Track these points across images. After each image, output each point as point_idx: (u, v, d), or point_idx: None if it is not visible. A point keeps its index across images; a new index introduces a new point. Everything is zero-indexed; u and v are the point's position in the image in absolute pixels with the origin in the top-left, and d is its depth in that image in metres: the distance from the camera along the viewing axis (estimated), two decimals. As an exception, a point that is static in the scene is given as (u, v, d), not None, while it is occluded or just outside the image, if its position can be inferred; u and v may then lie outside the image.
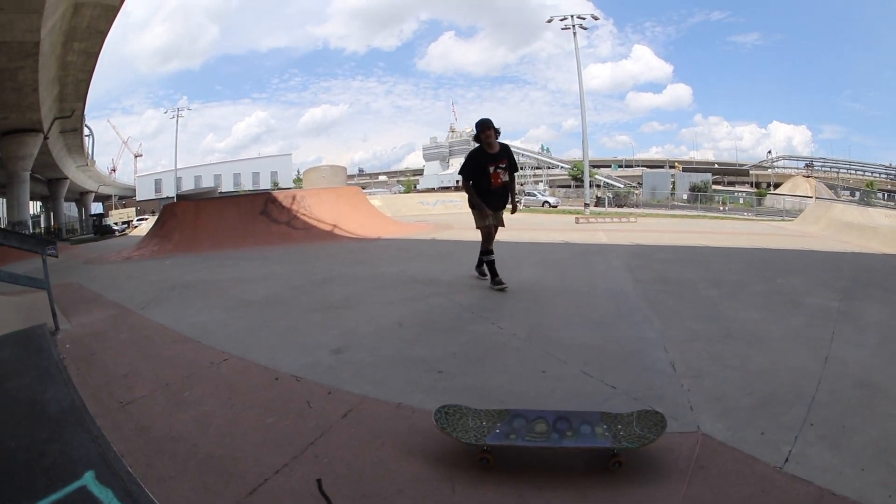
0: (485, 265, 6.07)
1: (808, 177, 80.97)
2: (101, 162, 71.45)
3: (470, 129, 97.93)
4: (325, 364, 3.53)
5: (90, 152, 50.32)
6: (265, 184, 72.45)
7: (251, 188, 68.55)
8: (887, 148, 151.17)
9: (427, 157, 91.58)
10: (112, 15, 18.60)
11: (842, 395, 3.02)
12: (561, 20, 35.42)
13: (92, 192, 64.67)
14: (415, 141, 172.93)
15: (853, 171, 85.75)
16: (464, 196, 6.03)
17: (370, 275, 7.28)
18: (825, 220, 19.20)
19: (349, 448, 2.40)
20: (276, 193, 15.35)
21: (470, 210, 6.03)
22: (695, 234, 14.76)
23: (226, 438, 2.54)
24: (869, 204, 49.04)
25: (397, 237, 13.39)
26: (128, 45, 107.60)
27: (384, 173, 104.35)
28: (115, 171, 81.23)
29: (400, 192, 61.19)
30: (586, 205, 32.40)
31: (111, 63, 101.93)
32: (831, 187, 76.52)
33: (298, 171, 69.25)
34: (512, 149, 6.02)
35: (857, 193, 70.82)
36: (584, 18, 35.34)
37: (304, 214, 13.83)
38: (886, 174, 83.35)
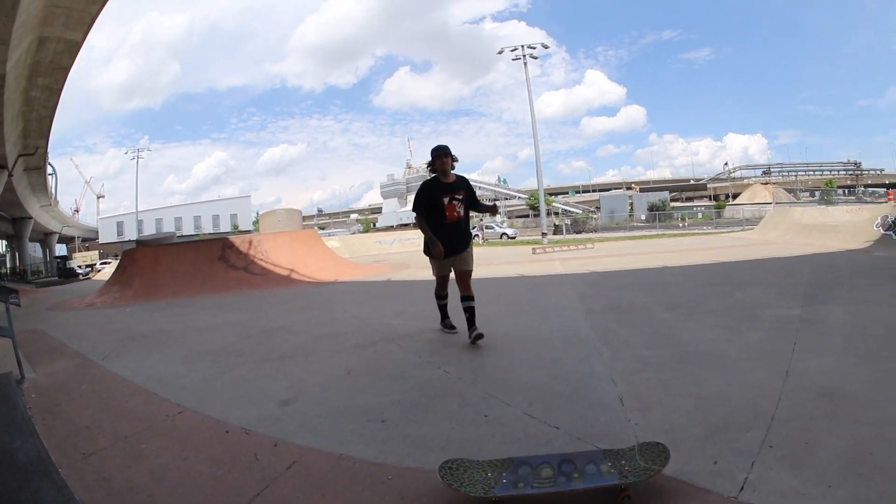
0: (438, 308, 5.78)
1: (766, 184, 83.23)
2: (65, 202, 70.90)
3: (425, 163, 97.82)
4: (274, 416, 3.58)
5: (53, 192, 49.40)
6: (225, 226, 72.60)
7: (212, 231, 68.59)
8: (845, 145, 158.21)
9: (385, 195, 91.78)
10: (75, 51, 18.54)
11: (804, 409, 2.99)
12: (512, 51, 35.89)
13: (56, 232, 63.55)
14: (372, 178, 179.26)
15: (812, 172, 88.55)
16: (421, 234, 5.41)
17: (323, 320, 7.45)
18: (785, 225, 19.71)
19: (292, 500, 2.47)
20: (233, 238, 15.51)
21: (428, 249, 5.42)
22: (652, 255, 15.01)
23: (179, 489, 2.64)
24: (829, 202, 50.76)
25: (353, 279, 13.59)
26: (92, 80, 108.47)
27: (343, 212, 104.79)
28: (77, 211, 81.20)
29: (359, 231, 61.35)
30: (543, 234, 32.79)
31: (75, 98, 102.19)
32: (790, 191, 78.80)
33: (258, 213, 69.97)
34: (473, 181, 5.65)
35: (817, 194, 73.15)
36: (534, 48, 35.73)
37: (261, 259, 14.00)
38: (845, 170, 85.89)
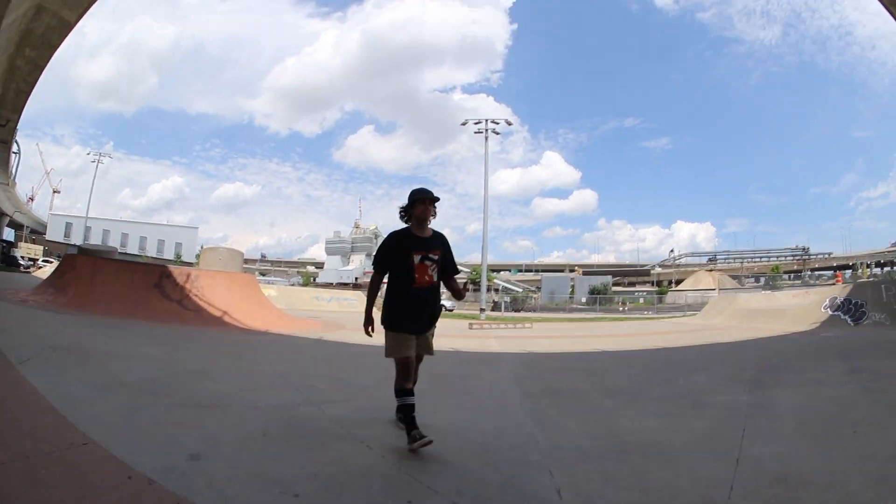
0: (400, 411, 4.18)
1: (710, 270, 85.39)
2: (22, 187, 69.54)
3: (374, 226, 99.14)
4: (181, 469, 3.26)
5: (14, 171, 47.96)
6: (169, 253, 72.09)
7: (155, 255, 67.73)
8: (794, 232, 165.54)
9: (329, 251, 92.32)
10: (66, 31, 18.38)
11: (759, 497, 2.88)
12: (475, 123, 36.92)
13: (7, 215, 61.24)
14: (320, 233, 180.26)
15: (758, 259, 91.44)
16: (359, 296, 4.78)
17: (248, 372, 7.22)
18: (730, 311, 20.02)
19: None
20: (172, 269, 15.18)
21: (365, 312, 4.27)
22: (592, 339, 14.95)
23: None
24: (775, 288, 52.45)
25: (285, 333, 13.27)
26: (75, 68, 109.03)
27: (286, 262, 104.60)
28: (32, 199, 78.85)
29: (298, 284, 60.81)
30: (482, 310, 32.65)
31: (54, 82, 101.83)
32: (735, 277, 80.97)
33: (202, 246, 69.86)
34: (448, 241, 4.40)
35: (762, 279, 75.33)
36: (497, 123, 36.98)
37: (196, 295, 13.72)
38: (793, 256, 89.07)
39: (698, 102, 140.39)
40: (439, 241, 4.22)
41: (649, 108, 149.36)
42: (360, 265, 79.68)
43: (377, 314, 4.17)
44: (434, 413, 5.05)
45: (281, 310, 18.40)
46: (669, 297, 58.65)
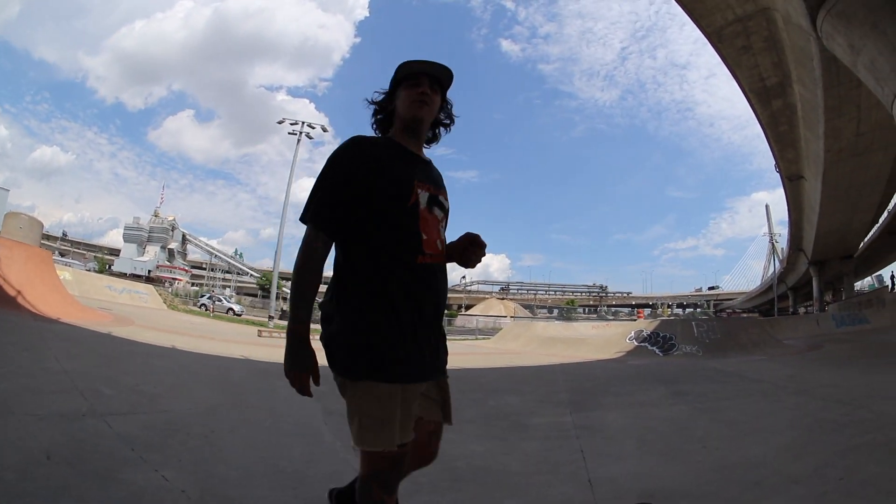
0: None
1: (502, 299, 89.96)
2: None
3: (172, 216, 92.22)
4: None
5: None
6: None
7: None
8: (592, 271, 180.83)
9: (126, 238, 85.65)
10: None
11: None
12: (291, 124, 36.17)
13: None
14: (121, 217, 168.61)
15: (552, 293, 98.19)
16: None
17: (32, 370, 5.96)
18: (526, 337, 20.31)
19: None
20: None
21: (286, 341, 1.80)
22: None
23: None
24: (570, 319, 56.60)
25: (76, 323, 11.50)
26: None
27: (85, 244, 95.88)
28: None
29: (94, 270, 56.73)
30: (270, 317, 31.84)
31: None
32: (527, 307, 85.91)
33: (7, 211, 61.49)
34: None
35: (556, 311, 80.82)
36: (314, 128, 36.43)
37: None
38: (590, 292, 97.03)
39: (515, 144, 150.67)
40: (440, 175, 2.17)
41: (464, 142, 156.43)
42: (155, 257, 75.38)
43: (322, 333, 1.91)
44: (233, 432, 4.42)
45: (73, 297, 16.28)
46: (459, 321, 60.39)
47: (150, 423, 4.55)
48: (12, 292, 11.37)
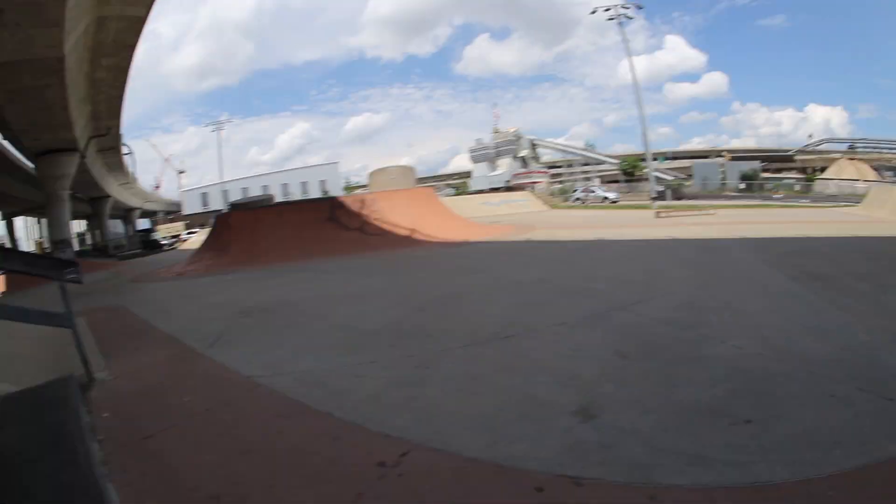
0: None
1: (852, 159, 77.94)
2: (145, 180, 73.71)
3: (514, 128, 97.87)
4: (584, 447, 2.00)
5: (131, 170, 50.38)
6: (314, 192, 72.22)
7: (301, 197, 68.73)
8: None
9: (475, 159, 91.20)
10: (139, 26, 17.90)
11: None
12: (605, 11, 34.61)
13: (137, 208, 66.10)
14: (458, 144, 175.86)
15: (895, 151, 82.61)
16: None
17: (502, 284, 5.65)
18: (891, 205, 17.52)
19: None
20: (343, 198, 14.37)
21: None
22: (790, 224, 12.63)
23: None
24: None
25: (486, 240, 11.94)
26: (161, 66, 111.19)
27: (433, 177, 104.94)
28: (159, 187, 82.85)
29: (451, 195, 60.80)
30: (653, 199, 30.90)
31: (146, 84, 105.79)
32: (875, 168, 73.52)
33: (347, 179, 69.56)
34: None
35: None
36: (628, 8, 34.52)
37: (376, 219, 12.69)
38: None
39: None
40: None
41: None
42: (509, 168, 75.32)
43: None
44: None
45: (466, 219, 16.87)
46: (817, 186, 52.66)
47: (679, 306, 4.24)
48: (404, 232, 12.29)
